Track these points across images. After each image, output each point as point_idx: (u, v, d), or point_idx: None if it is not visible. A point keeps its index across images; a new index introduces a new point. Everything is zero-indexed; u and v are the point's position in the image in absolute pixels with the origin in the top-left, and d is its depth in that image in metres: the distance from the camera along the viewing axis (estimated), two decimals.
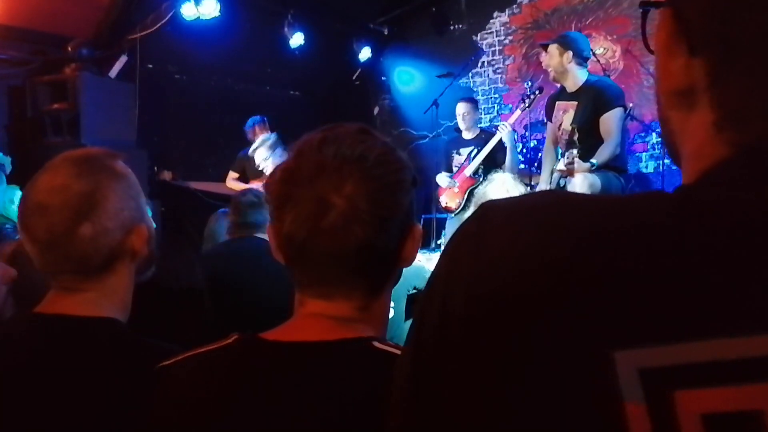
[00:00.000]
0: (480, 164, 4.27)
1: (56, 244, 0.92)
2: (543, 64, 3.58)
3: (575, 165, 3.15)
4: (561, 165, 3.27)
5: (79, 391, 0.86)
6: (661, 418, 0.34)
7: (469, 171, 4.34)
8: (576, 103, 3.46)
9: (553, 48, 3.45)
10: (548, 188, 3.52)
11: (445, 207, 4.49)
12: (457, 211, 4.35)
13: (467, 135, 4.51)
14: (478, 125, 4.57)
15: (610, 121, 3.32)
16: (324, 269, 0.75)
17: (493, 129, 4.45)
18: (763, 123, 0.40)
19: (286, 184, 0.75)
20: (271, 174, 0.78)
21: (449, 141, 4.75)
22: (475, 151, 4.34)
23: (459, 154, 4.51)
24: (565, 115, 3.53)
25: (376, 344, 0.72)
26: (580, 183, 3.24)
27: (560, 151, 3.53)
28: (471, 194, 4.09)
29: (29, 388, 0.86)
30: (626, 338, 0.35)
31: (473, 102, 4.57)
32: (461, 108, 4.46)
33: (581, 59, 3.47)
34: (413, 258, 0.81)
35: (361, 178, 0.72)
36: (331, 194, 0.72)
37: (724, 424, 0.33)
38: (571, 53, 3.43)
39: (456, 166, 4.52)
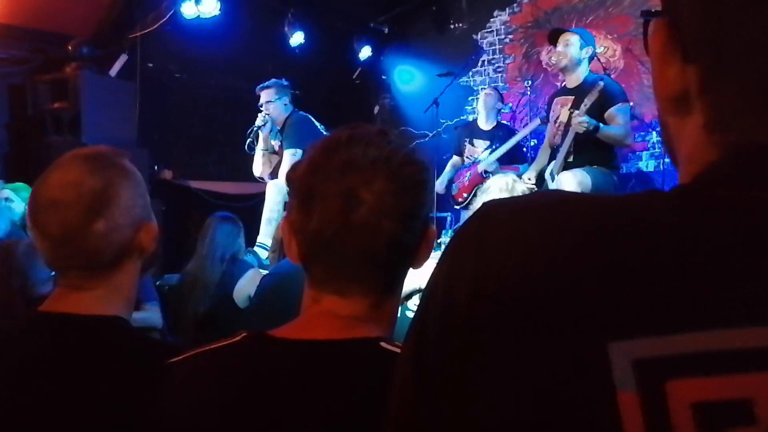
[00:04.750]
0: (494, 163, 4.19)
1: (69, 239, 0.92)
2: (557, 50, 3.47)
3: (578, 118, 3.18)
4: (565, 116, 3.26)
5: (85, 390, 0.86)
6: (653, 407, 0.35)
7: (481, 168, 4.24)
8: (573, 97, 3.46)
9: (576, 38, 3.45)
10: (533, 179, 3.54)
11: (455, 195, 4.41)
12: (463, 204, 4.32)
13: (483, 125, 4.42)
14: (498, 117, 4.50)
15: (619, 115, 3.32)
16: (350, 265, 0.75)
17: (511, 126, 4.43)
18: (750, 124, 0.41)
19: (313, 179, 0.74)
20: (294, 167, 0.78)
21: (463, 127, 4.64)
22: (492, 148, 4.28)
23: (473, 145, 4.42)
24: (563, 108, 3.52)
25: (384, 344, 0.72)
26: (568, 180, 3.20)
27: (559, 146, 3.50)
28: (477, 191, 4.07)
29: (36, 387, 0.86)
30: (621, 330, 0.36)
31: (499, 92, 4.58)
32: (489, 92, 4.45)
33: (591, 57, 3.52)
34: (426, 259, 0.81)
35: (390, 176, 0.73)
36: (360, 190, 0.72)
37: (713, 412, 0.34)
38: (590, 49, 3.48)
39: (468, 157, 4.43)
